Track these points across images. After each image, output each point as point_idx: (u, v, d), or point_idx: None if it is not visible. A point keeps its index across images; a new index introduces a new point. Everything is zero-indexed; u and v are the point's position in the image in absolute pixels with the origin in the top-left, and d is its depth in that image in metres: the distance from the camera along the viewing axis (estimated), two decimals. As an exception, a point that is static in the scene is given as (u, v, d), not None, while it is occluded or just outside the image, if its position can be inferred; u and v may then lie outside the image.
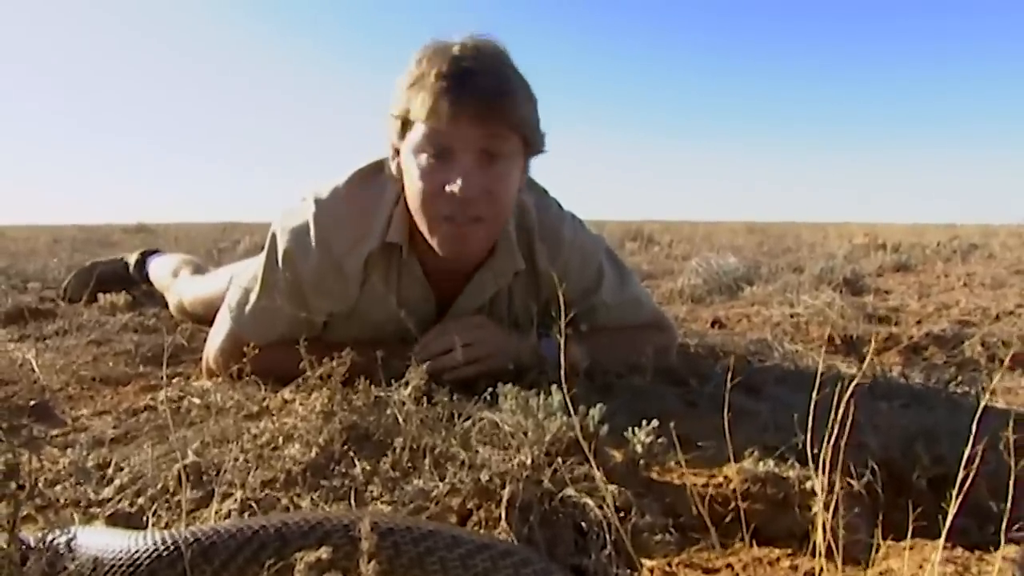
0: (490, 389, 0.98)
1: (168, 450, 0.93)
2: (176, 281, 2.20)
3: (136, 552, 0.59)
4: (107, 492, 0.84)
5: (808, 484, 0.79)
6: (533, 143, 1.18)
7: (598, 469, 0.73)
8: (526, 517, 0.72)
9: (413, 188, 1.14)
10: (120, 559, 0.59)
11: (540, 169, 1.27)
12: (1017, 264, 4.13)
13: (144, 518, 0.78)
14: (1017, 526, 0.78)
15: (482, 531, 0.73)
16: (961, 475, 0.53)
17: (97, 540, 0.61)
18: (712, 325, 2.14)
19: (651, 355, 1.29)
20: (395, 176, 1.20)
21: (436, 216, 1.13)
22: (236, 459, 0.87)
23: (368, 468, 0.85)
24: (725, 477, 0.82)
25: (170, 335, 1.79)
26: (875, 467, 0.85)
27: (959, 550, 0.67)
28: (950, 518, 0.53)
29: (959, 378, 1.38)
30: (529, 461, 0.78)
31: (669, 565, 0.68)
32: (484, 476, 0.78)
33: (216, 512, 0.77)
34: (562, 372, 0.73)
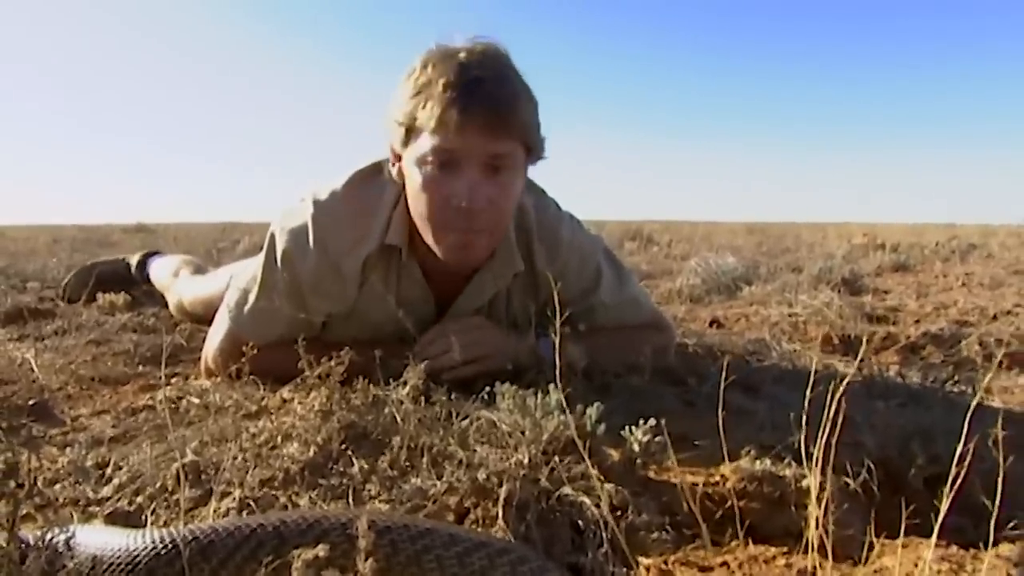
0: (488, 388, 0.98)
1: (167, 449, 0.93)
2: (176, 281, 2.20)
3: (135, 550, 0.59)
4: (106, 491, 0.84)
5: (804, 483, 0.79)
6: (535, 150, 1.18)
7: (594, 468, 0.73)
8: (523, 516, 0.73)
9: (418, 197, 1.14)
10: (119, 557, 0.59)
11: (539, 169, 1.27)
12: (1016, 264, 4.13)
13: (143, 517, 0.79)
14: (1011, 524, 0.79)
15: (479, 529, 0.73)
16: (953, 473, 0.54)
17: (96, 539, 0.62)
18: (710, 325, 2.15)
19: (649, 355, 1.30)
20: (395, 179, 1.21)
21: (442, 227, 1.13)
22: (235, 458, 0.87)
23: (366, 467, 0.85)
24: (722, 476, 0.82)
25: (169, 335, 1.80)
26: (871, 466, 0.85)
27: (953, 548, 0.68)
28: (941, 516, 0.54)
29: (956, 377, 1.39)
30: (526, 460, 0.79)
31: (665, 563, 0.68)
32: (481, 475, 0.78)
33: (214, 511, 0.77)
34: (558, 371, 0.73)
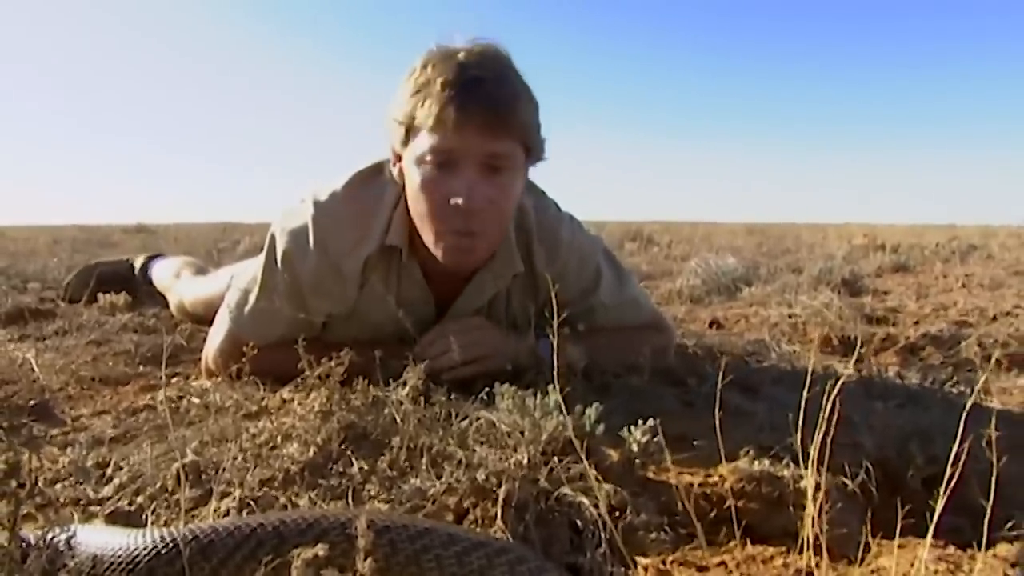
0: (487, 389, 0.98)
1: (167, 449, 0.93)
2: (177, 282, 2.21)
3: (135, 550, 0.60)
4: (106, 491, 0.84)
5: (802, 483, 0.79)
6: (535, 150, 1.18)
7: (592, 468, 0.74)
8: (522, 516, 0.73)
9: (417, 197, 1.14)
10: (119, 557, 0.59)
11: (540, 170, 1.27)
12: (1016, 265, 4.13)
13: (143, 516, 0.79)
14: (1009, 524, 0.79)
15: (478, 529, 0.73)
16: (948, 473, 0.54)
17: (97, 538, 0.62)
18: (710, 326, 2.15)
19: (649, 355, 1.30)
20: (395, 179, 1.21)
21: (441, 228, 1.13)
22: (235, 458, 0.88)
23: (366, 467, 0.85)
24: (720, 476, 0.82)
25: (169, 335, 1.80)
26: (870, 466, 0.86)
27: (951, 548, 0.68)
28: (937, 515, 0.54)
29: (955, 379, 1.39)
30: (525, 460, 0.79)
31: (663, 563, 0.68)
32: (481, 475, 0.78)
33: (215, 510, 0.77)
34: (556, 372, 0.73)
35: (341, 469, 0.86)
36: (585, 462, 0.71)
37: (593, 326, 1.30)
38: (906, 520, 0.63)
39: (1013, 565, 0.67)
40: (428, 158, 1.10)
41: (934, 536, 0.67)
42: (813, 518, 0.58)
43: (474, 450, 0.85)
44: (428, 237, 1.16)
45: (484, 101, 1.06)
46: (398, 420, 0.94)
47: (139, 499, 0.82)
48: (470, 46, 1.12)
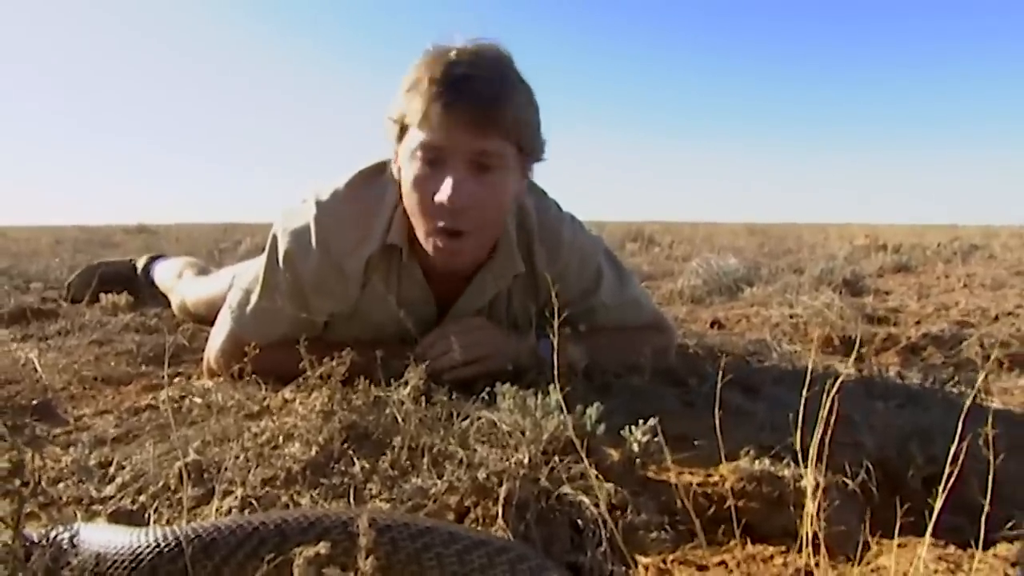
0: (488, 389, 0.99)
1: (169, 448, 0.94)
2: (179, 283, 2.22)
3: (139, 548, 0.60)
4: (109, 490, 0.85)
5: (803, 483, 0.79)
6: (530, 151, 1.17)
7: (592, 467, 0.74)
8: (523, 515, 0.73)
9: (408, 194, 1.15)
10: (123, 555, 0.60)
11: (540, 169, 1.27)
12: (1017, 265, 4.13)
13: (146, 515, 0.79)
14: (1009, 524, 0.79)
15: (479, 528, 0.73)
16: (947, 472, 0.54)
17: (100, 536, 0.62)
18: (711, 326, 2.15)
19: (649, 355, 1.30)
20: (396, 178, 1.21)
21: (429, 226, 1.14)
22: (237, 457, 0.88)
23: (367, 466, 0.86)
24: (721, 476, 0.82)
25: (171, 335, 1.80)
26: (870, 466, 0.86)
27: (951, 548, 0.68)
28: (935, 514, 0.54)
29: (956, 378, 1.39)
30: (526, 460, 0.79)
31: (664, 562, 0.69)
32: (482, 474, 0.78)
33: (217, 509, 0.78)
34: (556, 371, 0.73)
35: (343, 468, 0.86)
36: (586, 461, 0.71)
37: (594, 326, 1.30)
38: (906, 519, 0.63)
39: (1013, 564, 0.67)
40: (418, 155, 1.11)
41: (934, 535, 0.67)
42: (812, 516, 0.58)
43: (475, 449, 0.86)
44: (419, 234, 1.17)
45: (470, 98, 1.06)
46: (399, 420, 0.94)
47: (141, 498, 0.82)
48: (464, 45, 1.11)
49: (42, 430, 1.11)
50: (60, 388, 1.37)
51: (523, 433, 0.83)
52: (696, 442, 0.91)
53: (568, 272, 1.30)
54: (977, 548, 0.60)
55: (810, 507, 0.59)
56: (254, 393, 1.20)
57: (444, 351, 1.18)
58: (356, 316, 1.28)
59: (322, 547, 0.53)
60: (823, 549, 0.60)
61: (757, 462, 0.82)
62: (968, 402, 0.60)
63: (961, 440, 0.57)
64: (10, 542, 0.55)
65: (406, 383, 1.03)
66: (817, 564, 0.62)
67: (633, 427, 0.85)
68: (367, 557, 0.51)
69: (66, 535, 0.59)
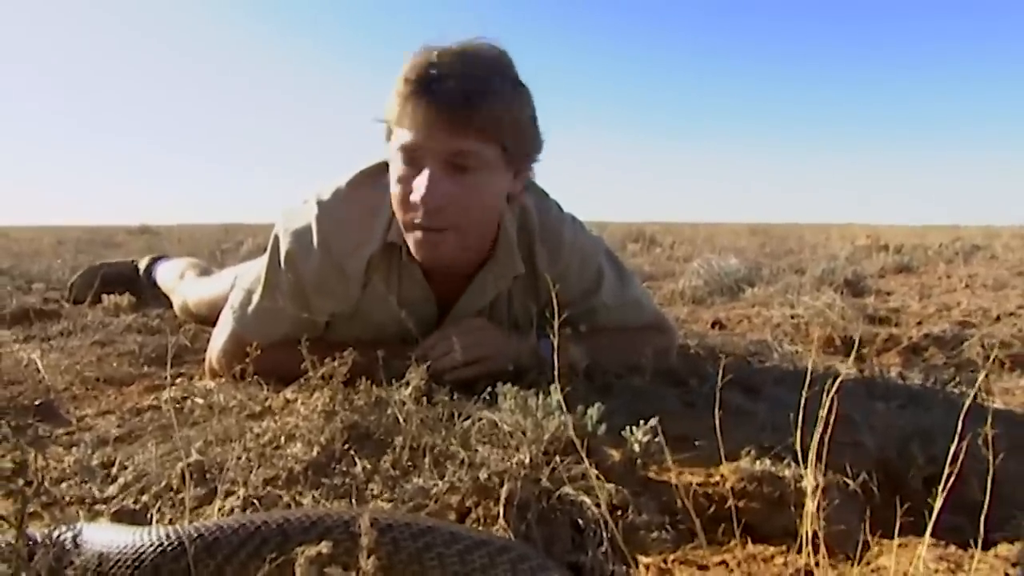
0: (489, 389, 0.99)
1: (172, 449, 0.94)
2: (181, 283, 2.22)
3: (141, 547, 0.60)
4: (111, 490, 0.85)
5: (803, 483, 0.80)
6: (516, 151, 1.15)
7: (593, 467, 0.74)
8: (524, 515, 0.73)
9: (392, 192, 1.16)
10: (126, 554, 0.60)
11: (541, 170, 1.27)
12: (1019, 266, 4.12)
13: (148, 515, 0.79)
14: (1013, 523, 0.79)
15: (480, 528, 0.74)
16: (947, 472, 0.54)
17: (103, 536, 0.62)
18: (712, 326, 2.15)
19: (650, 356, 1.30)
20: None
21: (407, 223, 1.15)
22: (239, 457, 0.88)
23: (369, 466, 0.86)
24: (721, 476, 0.82)
25: (173, 336, 1.81)
26: (871, 466, 0.86)
27: (951, 548, 0.68)
28: (935, 514, 0.54)
29: (957, 379, 1.39)
30: (527, 460, 0.79)
31: (664, 562, 0.69)
32: (483, 474, 0.78)
33: (219, 509, 0.78)
34: (556, 371, 0.73)
35: (344, 468, 0.86)
36: (587, 462, 0.71)
37: (595, 327, 1.30)
38: (907, 519, 0.63)
39: (1014, 565, 0.67)
40: (400, 155, 1.12)
41: (935, 535, 0.67)
42: (811, 515, 0.58)
43: (476, 450, 0.86)
44: (403, 230, 1.18)
45: (443, 98, 1.06)
46: (401, 420, 0.95)
47: (144, 498, 0.82)
48: (451, 45, 1.11)
49: (45, 430, 1.11)
50: (62, 388, 1.37)
51: (524, 433, 0.83)
52: (697, 442, 0.91)
53: (569, 272, 1.30)
54: (977, 548, 0.60)
55: (810, 506, 0.59)
56: (256, 393, 1.20)
57: (445, 352, 1.18)
58: (357, 316, 1.28)
59: (324, 547, 0.53)
60: (823, 549, 0.60)
61: (758, 462, 0.83)
62: (968, 402, 0.60)
63: (960, 440, 0.57)
64: (14, 541, 0.55)
65: (407, 383, 1.04)
66: (817, 564, 0.62)
67: (634, 427, 0.86)
68: (369, 557, 0.51)
69: (69, 535, 0.59)
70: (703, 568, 0.68)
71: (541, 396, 0.87)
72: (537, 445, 0.82)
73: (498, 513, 0.74)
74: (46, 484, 0.84)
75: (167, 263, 2.52)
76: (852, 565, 0.67)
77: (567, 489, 0.76)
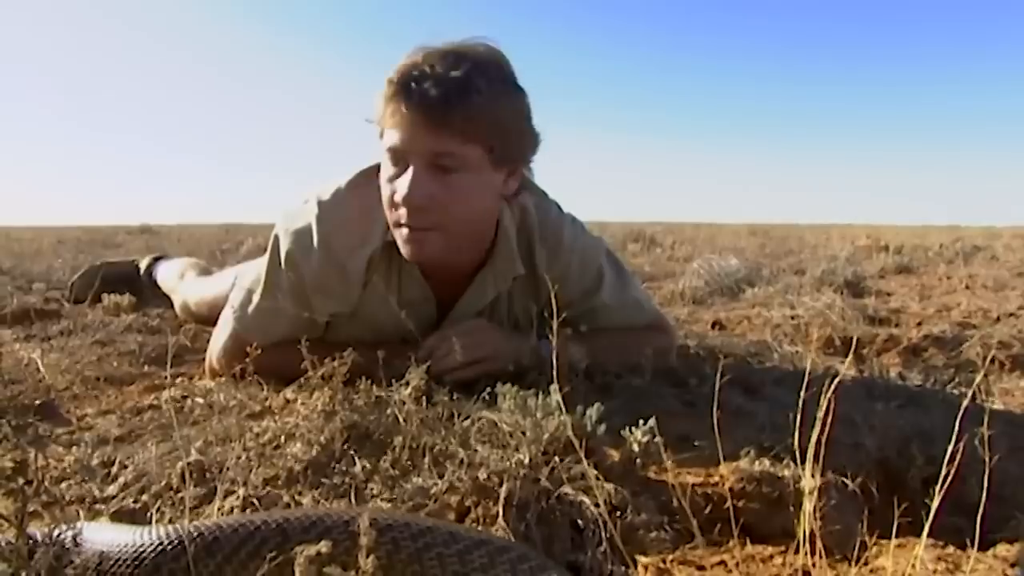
0: (489, 389, 0.99)
1: (172, 448, 0.94)
2: (182, 283, 2.22)
3: (141, 546, 0.60)
4: (112, 489, 0.85)
5: (803, 483, 0.80)
6: (504, 152, 1.14)
7: (592, 467, 0.74)
8: (523, 515, 0.74)
9: (382, 192, 1.17)
10: (126, 553, 0.60)
11: (540, 170, 1.27)
12: (1020, 266, 4.12)
13: (148, 514, 0.79)
14: (1012, 523, 0.79)
15: (480, 528, 0.74)
16: (944, 473, 0.54)
17: (103, 535, 0.62)
18: (712, 327, 2.15)
19: (650, 356, 1.30)
20: None
21: (394, 222, 1.16)
22: (239, 457, 0.88)
23: (368, 466, 0.86)
24: (721, 476, 0.83)
25: (173, 336, 1.81)
26: (870, 467, 0.86)
27: (950, 548, 0.68)
28: (932, 514, 0.54)
29: (957, 380, 1.39)
30: (527, 460, 0.79)
31: (663, 562, 0.69)
32: (482, 474, 0.79)
33: (219, 509, 0.78)
34: (555, 371, 0.74)
35: (344, 468, 0.86)
36: (586, 462, 0.72)
37: (595, 327, 1.30)
38: (907, 521, 0.64)
39: (1012, 565, 0.67)
40: (388, 155, 1.13)
41: (935, 536, 0.68)
42: (809, 515, 0.59)
43: (476, 450, 0.86)
44: (392, 230, 1.19)
45: (422, 100, 1.06)
46: (401, 420, 0.95)
47: (144, 497, 0.82)
48: (438, 46, 1.11)
49: (45, 430, 1.11)
50: (63, 388, 1.37)
51: (524, 433, 0.84)
52: (696, 443, 0.91)
53: (569, 273, 1.30)
54: (974, 548, 0.60)
55: (807, 506, 0.59)
56: (256, 393, 1.20)
57: (446, 352, 1.18)
58: (357, 316, 1.28)
59: (323, 546, 0.53)
60: (819, 548, 0.60)
61: (757, 463, 0.83)
62: (965, 402, 0.60)
63: (958, 441, 0.57)
64: (14, 540, 0.55)
65: (407, 383, 1.04)
66: (815, 564, 0.62)
67: (633, 427, 0.86)
68: (368, 556, 0.51)
69: (69, 534, 0.59)
70: (701, 568, 0.68)
71: (541, 396, 0.88)
72: (536, 445, 0.82)
73: (497, 513, 0.74)
74: (46, 483, 0.84)
75: (168, 263, 2.52)
76: (850, 565, 0.67)
77: (566, 489, 0.76)
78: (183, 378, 1.43)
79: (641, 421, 0.86)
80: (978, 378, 1.09)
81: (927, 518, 0.58)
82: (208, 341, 1.42)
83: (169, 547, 0.60)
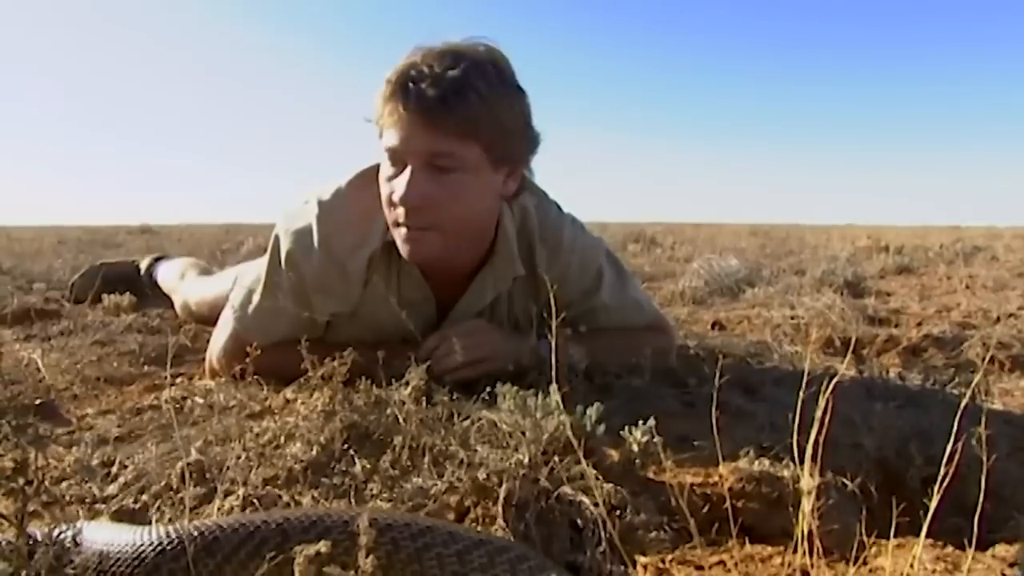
0: (489, 389, 0.99)
1: (171, 448, 0.94)
2: (182, 283, 2.22)
3: (142, 546, 0.60)
4: (111, 489, 0.85)
5: (802, 483, 0.80)
6: (502, 152, 1.14)
7: (592, 467, 0.74)
8: (522, 514, 0.74)
9: (381, 192, 1.17)
10: (126, 552, 0.60)
11: (541, 170, 1.28)
12: (1020, 267, 4.12)
13: (148, 514, 0.80)
14: (1011, 524, 0.79)
15: (479, 528, 0.74)
16: (942, 473, 0.54)
17: (103, 535, 0.63)
18: (712, 327, 2.15)
19: (650, 356, 1.30)
20: None
21: (392, 221, 1.17)
22: (238, 457, 0.88)
23: (368, 466, 0.86)
24: (720, 476, 0.83)
25: (174, 336, 1.81)
26: (869, 467, 0.86)
27: (949, 548, 0.68)
28: (930, 514, 0.54)
29: (956, 380, 1.39)
30: (526, 460, 0.79)
31: (662, 562, 0.69)
32: (482, 474, 0.79)
33: (218, 509, 0.78)
34: (555, 371, 0.74)
35: (344, 468, 0.87)
36: (585, 462, 0.72)
37: (595, 327, 1.31)
38: (906, 521, 0.64)
39: (1011, 565, 0.67)
40: (387, 156, 1.14)
41: (935, 536, 0.68)
42: (807, 514, 0.59)
43: (475, 449, 0.86)
44: (391, 229, 1.19)
45: (418, 100, 1.06)
46: (400, 420, 0.95)
47: (144, 497, 0.83)
48: (436, 46, 1.11)
49: (45, 430, 1.11)
50: (63, 388, 1.37)
51: (523, 433, 0.84)
52: (696, 443, 0.91)
53: (569, 273, 1.30)
54: (972, 548, 0.60)
55: (805, 506, 0.59)
56: (256, 393, 1.20)
57: (446, 353, 1.18)
58: (358, 316, 1.28)
59: (323, 546, 0.53)
60: (817, 547, 0.60)
61: (756, 463, 0.83)
62: (964, 402, 0.60)
63: (957, 440, 0.57)
64: (15, 539, 0.55)
65: (407, 383, 1.04)
66: (814, 564, 0.62)
67: (633, 428, 0.86)
68: (368, 556, 0.52)
69: (69, 533, 0.59)
70: (700, 568, 0.68)
71: (540, 396, 0.88)
72: (536, 445, 0.82)
73: (497, 513, 0.74)
74: (46, 483, 0.84)
75: (168, 263, 2.52)
76: (849, 565, 0.67)
77: (566, 489, 0.76)
78: (183, 378, 1.43)
79: (640, 421, 0.86)
80: (976, 378, 1.09)
81: (926, 518, 0.58)
82: (208, 341, 1.42)
83: (169, 547, 0.60)
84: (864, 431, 0.96)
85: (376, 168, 1.28)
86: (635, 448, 0.84)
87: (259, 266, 1.32)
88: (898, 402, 1.18)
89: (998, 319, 2.20)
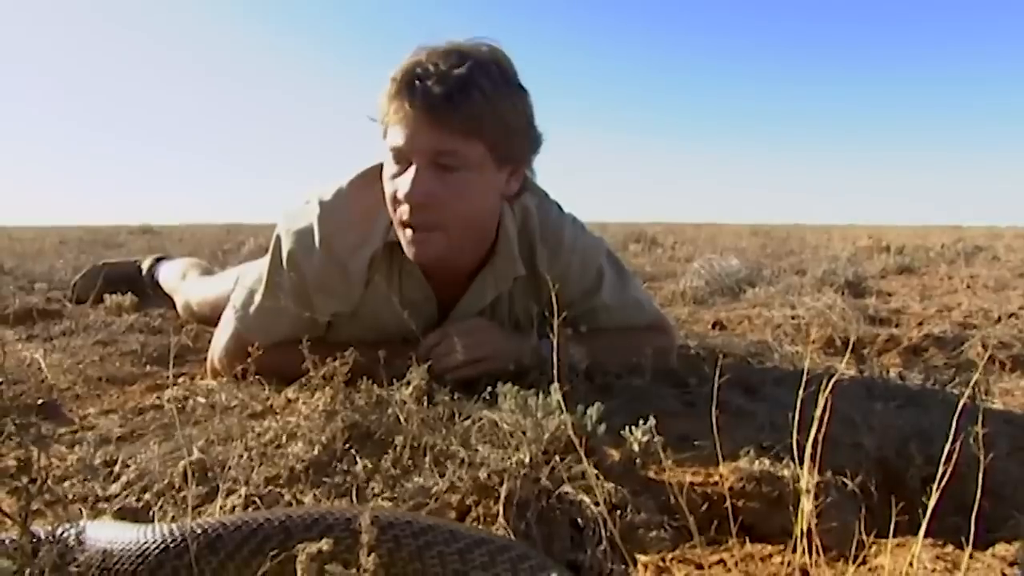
0: (489, 389, 0.99)
1: (174, 448, 0.94)
2: (184, 283, 2.23)
3: (145, 544, 0.61)
4: (114, 488, 0.85)
5: (801, 482, 0.80)
6: (506, 151, 1.15)
7: (592, 467, 0.74)
8: (523, 514, 0.74)
9: (385, 190, 1.17)
10: (130, 551, 0.61)
11: (541, 170, 1.28)
12: (1021, 267, 4.12)
13: (150, 513, 0.80)
14: (1011, 523, 0.79)
15: (480, 527, 0.74)
16: (941, 472, 0.55)
17: (106, 533, 0.63)
18: (713, 327, 2.15)
19: (651, 356, 1.30)
20: None
21: (396, 220, 1.17)
22: (240, 456, 0.89)
23: (370, 466, 0.86)
24: (720, 475, 0.83)
25: (175, 335, 1.81)
26: (869, 466, 0.86)
27: (948, 547, 0.68)
28: (929, 513, 0.54)
29: (957, 380, 1.39)
30: (527, 459, 0.80)
31: (663, 561, 0.69)
32: (483, 474, 0.79)
33: (221, 508, 0.79)
34: (555, 371, 0.74)
35: (345, 467, 0.87)
36: (586, 461, 0.72)
37: (595, 327, 1.31)
38: (906, 520, 0.64)
39: (1011, 564, 0.67)
40: (391, 155, 1.14)
41: (935, 535, 0.68)
42: (807, 514, 0.59)
43: (476, 449, 0.86)
44: (396, 229, 1.19)
45: (424, 98, 1.07)
46: (402, 419, 0.95)
47: (146, 496, 0.83)
48: (439, 45, 1.11)
49: (48, 429, 1.12)
50: (65, 388, 1.38)
51: (524, 433, 0.84)
52: (696, 442, 0.92)
53: (570, 273, 1.30)
54: (970, 547, 0.60)
55: (805, 505, 0.60)
56: (258, 393, 1.20)
57: (447, 352, 1.18)
58: (359, 316, 1.28)
59: (325, 544, 0.53)
60: (817, 546, 0.61)
61: (756, 462, 0.83)
62: (962, 402, 0.60)
63: (956, 440, 0.57)
64: (18, 538, 0.56)
65: (408, 383, 1.04)
66: (815, 563, 0.62)
67: (633, 427, 0.86)
68: (369, 554, 0.52)
69: (72, 532, 0.60)
70: (701, 567, 0.68)
71: (541, 396, 0.88)
72: (537, 444, 0.82)
73: (498, 512, 0.74)
74: (49, 482, 0.84)
75: (169, 263, 2.53)
76: (849, 564, 0.67)
77: (566, 488, 0.77)
78: (185, 378, 1.43)
79: (641, 421, 0.86)
80: (975, 377, 1.09)
81: (925, 517, 0.58)
82: (210, 341, 1.42)
83: (172, 545, 0.61)
84: (864, 431, 0.96)
85: (377, 168, 1.28)
86: (636, 447, 0.85)
87: (260, 266, 1.32)
88: (898, 402, 1.18)
89: (999, 319, 2.20)
